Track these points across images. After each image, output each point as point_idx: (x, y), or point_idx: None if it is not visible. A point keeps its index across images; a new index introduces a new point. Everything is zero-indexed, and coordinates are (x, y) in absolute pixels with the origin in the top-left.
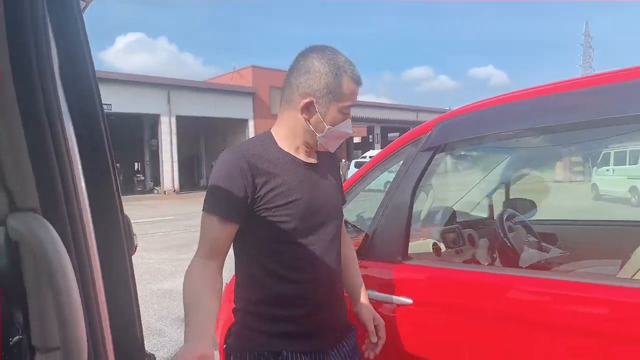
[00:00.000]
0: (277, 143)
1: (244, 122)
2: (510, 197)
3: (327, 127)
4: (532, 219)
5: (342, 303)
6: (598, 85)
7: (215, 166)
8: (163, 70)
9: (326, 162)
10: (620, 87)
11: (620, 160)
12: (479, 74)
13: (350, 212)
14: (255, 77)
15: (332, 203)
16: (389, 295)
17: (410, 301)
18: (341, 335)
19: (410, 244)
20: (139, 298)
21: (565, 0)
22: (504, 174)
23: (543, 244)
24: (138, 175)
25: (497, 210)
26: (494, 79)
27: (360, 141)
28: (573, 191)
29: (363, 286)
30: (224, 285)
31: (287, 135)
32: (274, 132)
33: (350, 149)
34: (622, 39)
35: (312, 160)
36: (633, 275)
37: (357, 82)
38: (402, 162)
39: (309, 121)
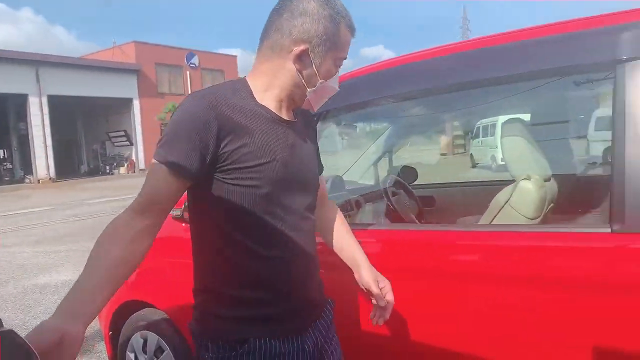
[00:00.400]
0: (253, 94)
1: (128, 101)
2: (394, 165)
3: (320, 80)
4: (414, 184)
5: (317, 278)
6: (471, 49)
7: (177, 110)
8: (31, 46)
9: (303, 123)
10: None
11: (485, 132)
12: (370, 53)
13: None
14: (138, 53)
15: (309, 169)
16: None
17: None
18: (318, 313)
19: None
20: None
21: None
22: (387, 143)
23: (422, 205)
24: (4, 163)
25: (382, 177)
26: (384, 58)
27: None
28: (456, 162)
29: (359, 249)
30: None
31: (267, 87)
32: (250, 82)
33: None
34: (497, 23)
35: (291, 119)
36: (491, 221)
37: (353, 32)
38: None
39: (301, 73)
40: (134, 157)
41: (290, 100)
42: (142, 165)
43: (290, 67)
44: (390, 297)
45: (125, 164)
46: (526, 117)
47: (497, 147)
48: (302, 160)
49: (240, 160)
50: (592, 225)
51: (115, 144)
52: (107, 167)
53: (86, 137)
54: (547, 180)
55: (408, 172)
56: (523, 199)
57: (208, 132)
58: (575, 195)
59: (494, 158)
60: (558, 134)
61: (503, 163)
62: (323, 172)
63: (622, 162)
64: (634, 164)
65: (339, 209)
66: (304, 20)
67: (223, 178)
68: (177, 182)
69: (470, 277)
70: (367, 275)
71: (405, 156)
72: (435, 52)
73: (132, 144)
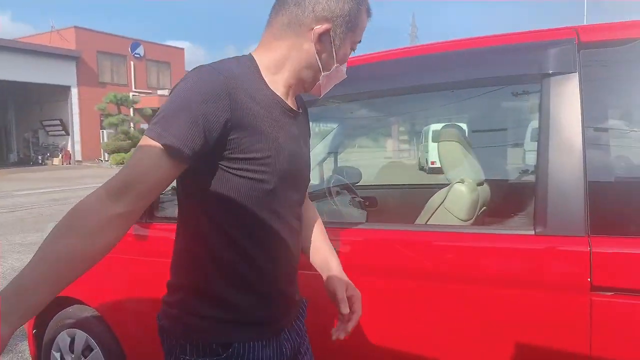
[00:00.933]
0: (263, 77)
1: (66, 89)
2: (339, 165)
3: (336, 64)
4: (357, 184)
5: (296, 277)
6: (410, 56)
7: (182, 82)
8: None
9: (304, 113)
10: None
11: (425, 137)
12: None
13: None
14: (79, 39)
15: (307, 164)
16: None
17: None
18: (295, 313)
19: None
20: None
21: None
22: (333, 143)
23: (365, 205)
24: None
25: (327, 176)
26: None
27: None
28: (405, 165)
29: (333, 252)
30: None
31: (278, 69)
32: (258, 61)
33: None
34: (444, 31)
35: (296, 108)
36: (426, 221)
37: (370, 16)
38: None
39: (319, 55)
40: (69, 148)
41: (299, 86)
42: (78, 157)
43: (309, 47)
44: (357, 307)
45: (60, 155)
46: (463, 125)
47: (427, 152)
48: (302, 155)
49: (249, 149)
50: (518, 228)
51: (50, 133)
52: (39, 157)
53: (17, 125)
54: (480, 184)
55: (352, 173)
56: (456, 201)
57: (219, 112)
58: (506, 199)
59: (425, 162)
60: (497, 141)
61: (433, 166)
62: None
63: (545, 169)
64: (556, 171)
65: (315, 207)
66: None
67: (227, 167)
68: (170, 166)
69: (405, 274)
70: (335, 281)
71: (351, 157)
72: (380, 57)
73: (68, 134)
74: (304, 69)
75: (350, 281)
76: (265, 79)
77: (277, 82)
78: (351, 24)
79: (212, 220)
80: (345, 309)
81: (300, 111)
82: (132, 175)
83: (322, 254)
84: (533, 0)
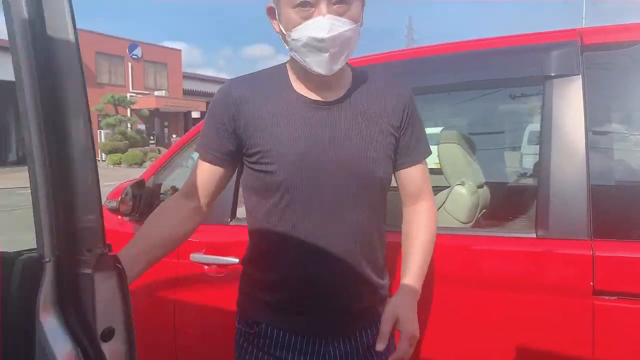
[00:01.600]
0: (289, 79)
1: None
2: None
3: (287, 33)
4: None
5: (357, 288)
6: (413, 58)
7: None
8: None
9: (358, 100)
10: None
11: (431, 140)
12: None
13: (177, 182)
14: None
15: (352, 156)
16: (216, 257)
17: (236, 260)
18: (349, 327)
19: (242, 208)
20: None
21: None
22: None
23: None
24: None
25: None
26: None
27: (199, 116)
28: None
29: (412, 276)
30: None
31: (291, 66)
32: (288, 65)
33: (188, 124)
34: (441, 34)
35: (331, 97)
36: None
37: None
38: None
39: (281, 32)
40: None
41: (307, 73)
42: None
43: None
44: (401, 346)
45: None
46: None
47: None
48: (342, 145)
49: (254, 144)
50: (519, 231)
51: None
52: None
53: (17, 124)
54: (480, 187)
55: None
56: (457, 204)
57: (225, 120)
58: (505, 202)
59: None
60: (494, 144)
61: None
62: (422, 160)
63: (547, 172)
64: (559, 174)
65: (431, 216)
66: None
67: (247, 161)
68: (206, 168)
69: None
70: (389, 308)
71: None
72: (381, 59)
73: None
74: (290, 54)
75: (407, 313)
76: (291, 79)
77: (300, 81)
78: None
79: (247, 206)
80: (379, 346)
81: (339, 99)
82: (191, 179)
83: (403, 270)
84: (530, 2)
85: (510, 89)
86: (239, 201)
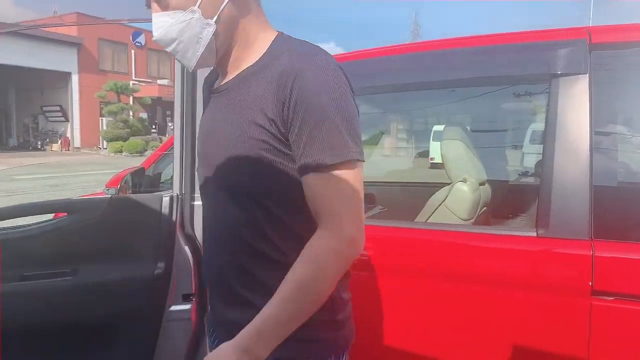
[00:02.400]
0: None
1: (66, 75)
2: None
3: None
4: None
5: (225, 297)
6: (417, 52)
7: (332, 80)
8: None
9: (240, 82)
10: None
11: (435, 137)
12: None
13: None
14: (81, 26)
15: (214, 152)
16: None
17: None
18: (225, 330)
19: None
20: None
21: None
22: None
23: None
24: None
25: None
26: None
27: None
28: (397, 162)
29: (248, 328)
30: None
31: None
32: None
33: None
34: (447, 30)
35: (223, 84)
36: (427, 219)
37: None
38: None
39: None
40: (68, 134)
41: (212, 57)
42: (77, 144)
43: None
44: None
45: (59, 141)
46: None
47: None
48: (215, 134)
49: None
50: (519, 229)
51: (50, 119)
52: (39, 143)
53: (18, 110)
54: (481, 184)
55: None
56: (458, 200)
57: None
58: (507, 200)
59: (433, 162)
60: (497, 142)
61: (432, 162)
62: (314, 166)
63: (550, 171)
64: (561, 174)
65: (317, 256)
66: None
67: None
68: None
69: (404, 272)
70: (211, 355)
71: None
72: (383, 52)
73: (67, 120)
74: None
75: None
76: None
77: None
78: None
79: None
80: None
81: (226, 83)
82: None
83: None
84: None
85: (514, 87)
86: None
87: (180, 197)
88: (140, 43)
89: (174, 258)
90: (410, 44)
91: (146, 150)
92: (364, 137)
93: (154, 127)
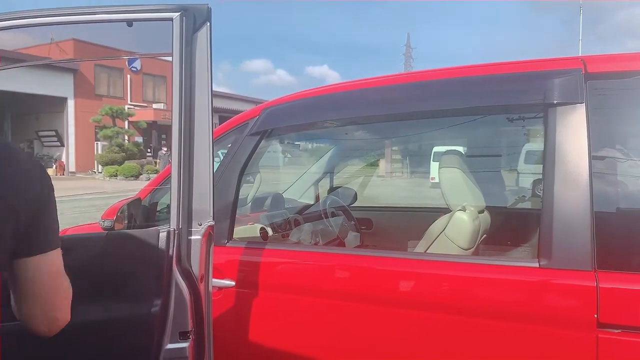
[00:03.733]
0: None
1: (62, 100)
2: (335, 185)
3: None
4: (352, 206)
5: None
6: (414, 82)
7: None
8: None
9: None
10: (430, 84)
11: (435, 157)
12: (315, 72)
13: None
14: (77, 52)
15: None
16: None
17: (232, 283)
18: None
19: (238, 228)
20: None
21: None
22: (329, 163)
23: (360, 227)
24: None
25: (322, 197)
26: (328, 78)
27: None
28: (393, 184)
29: None
30: None
31: None
32: None
33: None
34: (440, 53)
35: None
36: (427, 249)
37: None
38: (229, 146)
39: None
40: (64, 159)
41: None
42: (72, 168)
43: None
44: None
45: (54, 165)
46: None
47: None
48: None
49: None
50: (521, 260)
51: (45, 143)
52: None
53: (13, 135)
54: (481, 212)
55: (347, 194)
56: (458, 230)
57: None
58: (506, 227)
59: (435, 183)
60: (493, 166)
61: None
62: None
63: (551, 201)
64: (562, 203)
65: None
66: None
67: None
68: None
69: (404, 304)
70: None
71: (345, 177)
72: (379, 82)
73: (63, 145)
74: None
75: None
76: None
77: None
78: None
79: None
80: None
81: None
82: None
83: None
84: (528, 25)
85: (510, 114)
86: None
87: (177, 231)
88: (136, 68)
89: (170, 295)
90: (407, 73)
91: (141, 174)
92: (368, 161)
93: (149, 150)
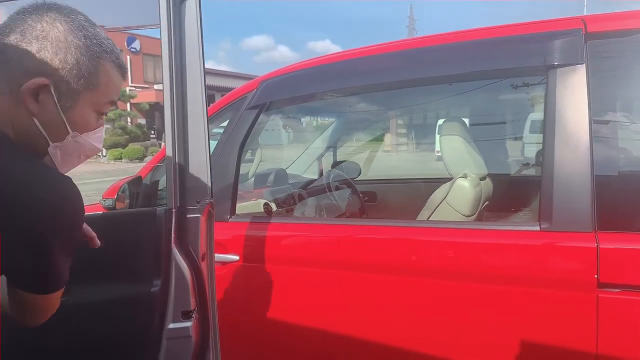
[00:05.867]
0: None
1: None
2: (339, 160)
3: (72, 133)
4: (357, 179)
5: None
6: (414, 48)
7: None
8: None
9: None
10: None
11: (440, 130)
12: (317, 47)
13: None
14: None
15: None
16: (216, 255)
17: (237, 258)
18: None
19: (242, 204)
20: None
21: None
22: (332, 137)
23: (364, 200)
24: None
25: (326, 171)
26: (330, 52)
27: None
28: (396, 158)
29: None
30: None
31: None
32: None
33: None
34: (443, 25)
35: None
36: (429, 217)
37: (124, 72)
38: (227, 120)
39: (40, 119)
40: None
41: None
42: None
43: (22, 109)
44: None
45: None
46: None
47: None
48: None
49: None
50: (522, 224)
51: None
52: None
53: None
54: (482, 179)
55: (351, 168)
56: (459, 197)
57: None
58: (508, 194)
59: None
60: (496, 134)
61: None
62: None
63: (551, 164)
64: (562, 166)
65: None
66: (42, 45)
67: None
68: None
69: (407, 271)
70: None
71: (349, 151)
72: (380, 49)
73: None
74: (27, 139)
75: None
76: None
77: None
78: (85, 80)
79: None
80: None
81: None
82: None
83: None
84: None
85: (512, 79)
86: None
87: (174, 210)
88: (135, 49)
89: (171, 274)
90: (405, 40)
91: (146, 156)
92: (372, 135)
93: (152, 132)
